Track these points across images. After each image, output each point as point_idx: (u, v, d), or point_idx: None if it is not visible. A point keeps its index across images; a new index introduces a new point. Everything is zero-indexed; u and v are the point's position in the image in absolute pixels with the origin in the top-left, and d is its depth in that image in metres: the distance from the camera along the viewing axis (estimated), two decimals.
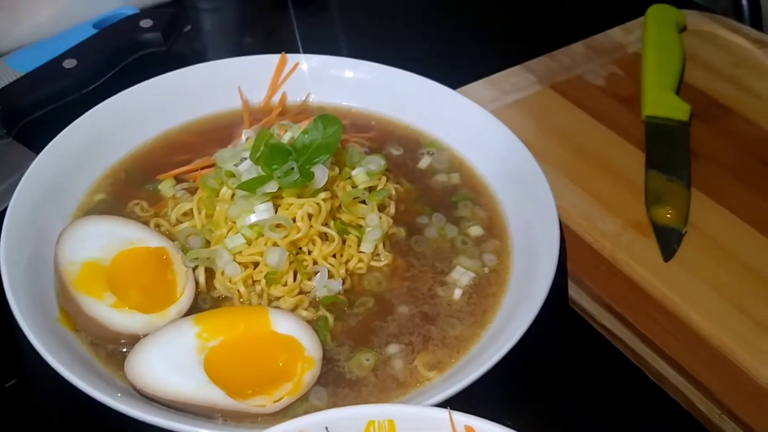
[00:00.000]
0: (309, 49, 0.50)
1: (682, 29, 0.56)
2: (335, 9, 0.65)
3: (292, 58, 0.48)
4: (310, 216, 0.37)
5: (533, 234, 0.39)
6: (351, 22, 0.63)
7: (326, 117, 0.40)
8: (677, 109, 0.49)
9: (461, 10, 0.65)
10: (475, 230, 0.41)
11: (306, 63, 0.48)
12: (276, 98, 0.47)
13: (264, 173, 0.38)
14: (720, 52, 0.55)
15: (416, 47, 0.58)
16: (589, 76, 0.53)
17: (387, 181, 0.42)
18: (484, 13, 0.64)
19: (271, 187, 0.38)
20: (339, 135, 0.39)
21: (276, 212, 0.37)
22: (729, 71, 0.53)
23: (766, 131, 0.48)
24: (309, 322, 0.36)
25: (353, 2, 0.66)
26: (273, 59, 0.48)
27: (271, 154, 0.39)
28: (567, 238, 0.42)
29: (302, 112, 0.47)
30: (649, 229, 0.42)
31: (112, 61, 0.53)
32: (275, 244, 0.37)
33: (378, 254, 0.39)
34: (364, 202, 0.40)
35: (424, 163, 0.45)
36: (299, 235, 0.37)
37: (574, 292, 0.40)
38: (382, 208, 0.41)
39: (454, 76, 0.51)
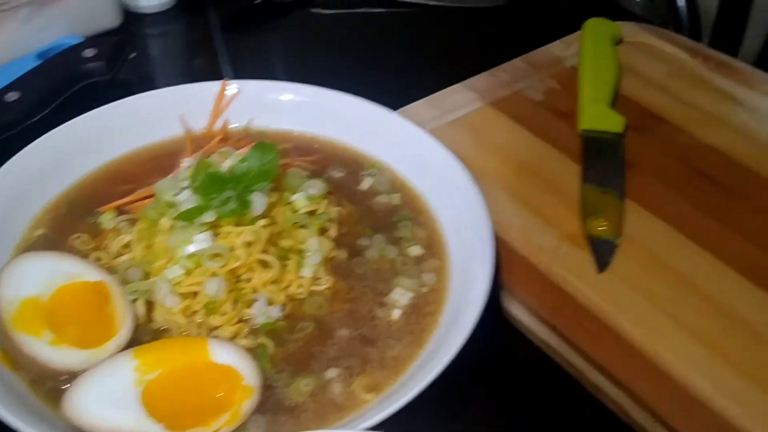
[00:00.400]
0: (252, 74, 0.51)
1: (619, 42, 0.58)
2: (278, 33, 0.65)
3: (234, 83, 0.48)
4: (249, 243, 0.38)
5: (470, 251, 0.40)
6: (293, 47, 0.64)
7: (263, 144, 0.40)
8: (612, 122, 0.50)
9: (403, 30, 0.66)
10: (415, 250, 0.41)
11: (248, 88, 0.48)
12: (218, 125, 0.48)
13: (202, 203, 0.39)
14: (655, 63, 0.56)
15: (359, 70, 0.59)
16: (528, 91, 0.54)
17: (329, 204, 0.43)
18: (425, 33, 0.65)
19: (209, 216, 0.38)
20: (276, 162, 0.40)
21: (215, 241, 0.38)
22: (664, 81, 0.55)
23: (699, 140, 0.50)
24: (248, 350, 0.36)
25: (297, 27, 0.66)
26: (215, 86, 0.48)
27: (209, 184, 0.39)
28: (504, 254, 0.42)
29: (245, 137, 0.47)
30: (585, 242, 0.43)
31: (56, 92, 0.53)
32: (214, 274, 0.37)
33: (319, 278, 0.39)
34: (305, 226, 0.41)
35: (365, 184, 0.45)
36: (238, 263, 0.37)
37: (512, 307, 0.41)
38: (323, 231, 0.41)
39: (397, 97, 0.52)
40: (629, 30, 0.59)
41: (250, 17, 0.66)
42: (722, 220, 0.44)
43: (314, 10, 0.67)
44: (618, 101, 0.53)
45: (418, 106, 0.52)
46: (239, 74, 0.54)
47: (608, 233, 0.43)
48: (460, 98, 0.53)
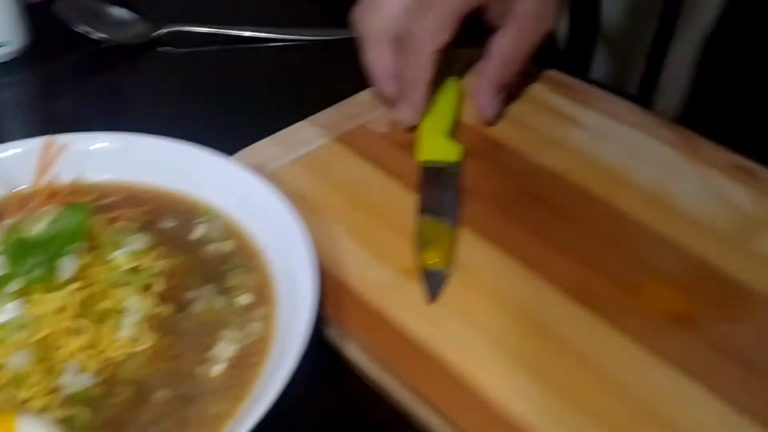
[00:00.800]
0: (98, 121, 0.50)
1: (465, 69, 0.59)
2: (128, 76, 0.65)
3: (62, 136, 0.47)
4: (61, 309, 0.37)
5: (298, 295, 0.39)
6: (143, 89, 0.63)
7: (73, 206, 0.39)
8: (449, 152, 0.51)
9: (256, 66, 0.65)
10: (244, 299, 0.41)
11: (76, 140, 0.47)
12: (46, 181, 0.46)
13: (10, 270, 0.37)
14: None
15: (209, 109, 0.58)
16: (373, 124, 0.54)
17: (156, 257, 0.42)
18: (278, 68, 0.65)
19: (17, 284, 0.37)
20: (85, 223, 0.38)
21: (24, 310, 0.37)
22: (507, 106, 0.55)
23: (535, 163, 0.51)
24: (61, 420, 0.35)
25: (147, 68, 0.65)
26: (40, 141, 0.46)
27: (17, 249, 0.38)
28: (338, 293, 0.42)
29: (73, 192, 0.46)
30: (418, 274, 0.44)
31: None
32: (22, 345, 0.36)
33: (138, 338, 0.38)
34: (127, 284, 0.40)
35: (198, 232, 0.45)
36: (47, 332, 0.36)
37: (347, 347, 0.41)
38: (147, 287, 0.40)
39: (241, 137, 0.52)
40: (470, 55, 0.60)
41: (99, 61, 0.65)
42: (554, 242, 0.45)
43: (162, 49, 0.66)
44: (459, 129, 0.54)
45: (263, 145, 0.52)
46: (85, 121, 0.53)
47: (440, 264, 0.44)
48: (305, 135, 0.53)
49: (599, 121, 0.54)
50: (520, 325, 0.41)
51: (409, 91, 0.52)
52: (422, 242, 0.45)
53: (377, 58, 0.52)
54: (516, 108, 0.56)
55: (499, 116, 0.54)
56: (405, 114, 0.52)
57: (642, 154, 0.51)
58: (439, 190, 0.48)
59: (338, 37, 0.67)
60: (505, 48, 0.52)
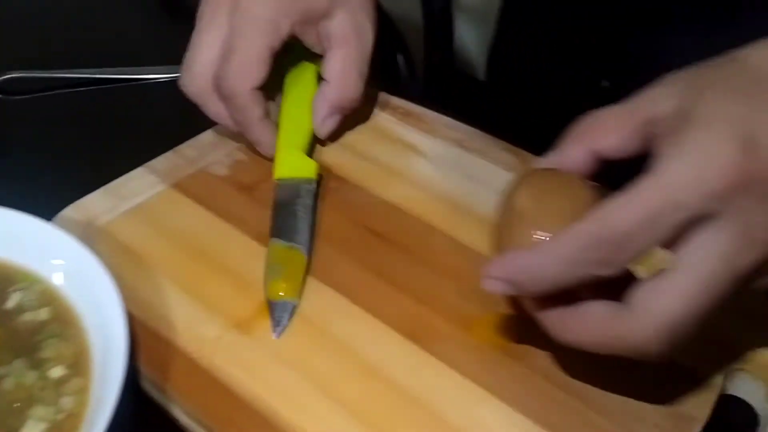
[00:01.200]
0: None
1: None
2: None
3: None
4: None
5: (113, 365, 0.37)
6: None
7: None
8: (304, 168, 0.50)
9: (83, 114, 0.63)
10: (57, 371, 0.38)
11: None
12: None
13: None
14: (349, 120, 0.56)
15: (38, 161, 0.55)
16: (213, 167, 0.52)
17: None
18: (116, 111, 0.63)
19: None
20: None
21: None
22: (348, 138, 0.55)
23: (377, 197, 0.50)
24: None
25: None
26: None
27: None
28: (166, 353, 0.41)
29: None
30: (251, 326, 0.42)
31: None
32: None
33: None
34: None
35: (12, 301, 0.42)
36: None
37: (175, 411, 0.39)
38: None
39: (73, 189, 0.49)
40: None
41: None
42: (394, 281, 0.44)
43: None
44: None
45: (93, 198, 0.50)
46: None
47: (288, 295, 0.43)
48: (140, 183, 0.51)
49: (443, 150, 0.54)
50: (357, 374, 0.40)
51: (247, 133, 0.51)
52: (271, 271, 0.44)
53: (211, 112, 0.51)
54: (359, 139, 0.55)
55: (332, 136, 0.54)
56: (259, 148, 0.52)
57: (484, 181, 0.51)
58: (293, 212, 0.47)
59: (175, 77, 0.65)
60: (334, 70, 0.52)
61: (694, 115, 0.30)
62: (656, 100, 0.33)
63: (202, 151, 0.54)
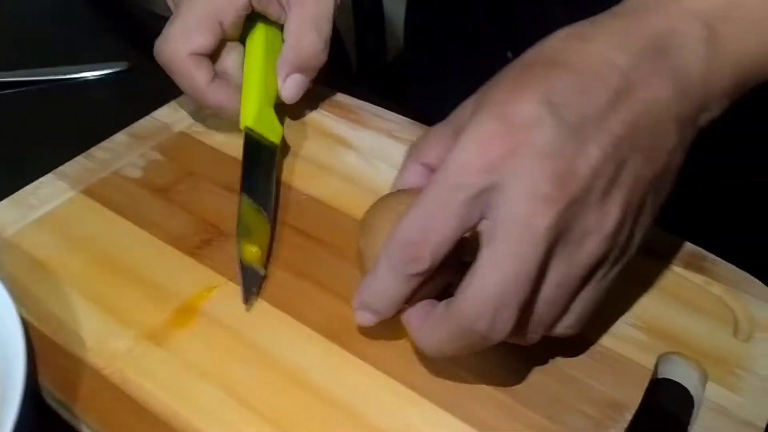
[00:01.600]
0: None
1: None
2: None
3: None
4: None
5: (9, 382, 0.35)
6: None
7: None
8: (271, 129, 0.49)
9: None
10: None
11: None
12: None
13: None
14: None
15: None
16: (127, 169, 0.50)
17: None
18: (23, 115, 0.59)
19: None
20: None
21: None
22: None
23: (301, 194, 0.48)
24: None
25: None
26: None
27: None
28: (74, 369, 0.38)
29: None
30: (165, 337, 0.39)
31: None
32: None
33: None
34: None
35: None
36: None
37: (83, 430, 0.36)
38: None
39: None
40: None
41: None
42: (318, 281, 0.42)
43: None
44: (224, 162, 0.50)
45: (0, 208, 0.47)
46: None
47: (258, 261, 0.42)
48: (48, 191, 0.48)
49: (372, 141, 0.52)
50: (277, 382, 0.37)
51: (201, 101, 0.50)
52: (244, 230, 0.43)
53: (178, 82, 0.50)
54: (287, 134, 0.52)
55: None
56: (222, 114, 0.51)
57: None
58: (260, 171, 0.46)
59: (90, 76, 0.62)
60: (290, 29, 0.51)
61: (475, 109, 0.33)
62: (462, 109, 0.36)
63: (115, 154, 0.51)
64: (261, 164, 0.47)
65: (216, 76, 0.50)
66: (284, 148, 0.52)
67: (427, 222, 0.32)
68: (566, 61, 0.32)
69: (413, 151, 0.39)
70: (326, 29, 0.52)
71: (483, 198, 0.31)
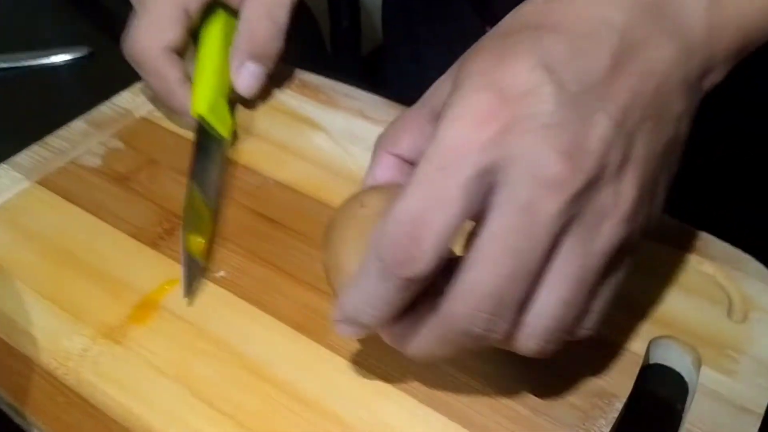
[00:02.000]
0: None
1: None
2: None
3: None
4: None
5: None
6: None
7: None
8: (222, 121, 0.46)
9: None
10: None
11: None
12: None
13: None
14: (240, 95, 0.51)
15: None
16: (85, 158, 0.47)
17: None
18: None
19: None
20: None
21: None
22: (238, 115, 0.50)
23: (269, 180, 0.45)
24: None
25: None
26: None
27: None
28: (25, 371, 0.35)
29: None
30: (124, 334, 0.37)
31: None
32: None
33: None
34: None
35: None
36: None
37: None
38: None
39: None
40: None
41: None
42: (288, 271, 0.40)
43: None
44: (185, 147, 0.46)
45: None
46: None
47: (202, 256, 0.39)
48: (1, 182, 0.45)
49: (343, 122, 0.49)
50: (244, 379, 0.35)
51: (168, 99, 0.48)
52: (189, 219, 0.40)
53: (150, 80, 0.48)
54: (250, 116, 0.50)
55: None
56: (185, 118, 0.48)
57: None
58: (207, 160, 0.44)
59: (50, 62, 0.59)
60: (244, 17, 0.49)
61: (457, 84, 0.28)
62: (438, 88, 0.31)
63: (73, 142, 0.48)
64: (209, 155, 0.45)
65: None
66: (249, 130, 0.49)
67: (423, 211, 0.26)
68: (555, 23, 0.28)
69: (383, 140, 0.33)
70: (282, 16, 0.49)
71: (484, 181, 0.26)
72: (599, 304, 0.29)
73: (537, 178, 0.26)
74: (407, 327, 0.29)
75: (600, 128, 0.26)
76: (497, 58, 0.27)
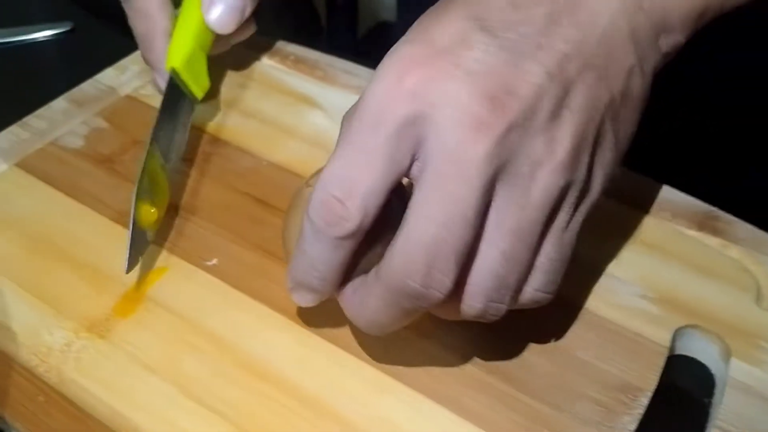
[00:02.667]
0: None
1: None
2: None
3: None
4: None
5: None
6: None
7: None
8: (197, 81, 0.43)
9: None
10: None
11: None
12: None
13: None
14: (231, 72, 0.49)
15: None
16: (66, 139, 0.44)
17: None
18: None
19: None
20: None
21: None
22: (231, 95, 0.47)
23: (263, 159, 0.42)
24: None
25: None
26: None
27: None
28: (3, 369, 0.32)
29: None
30: (108, 328, 0.34)
31: None
32: None
33: None
34: None
35: None
36: None
37: None
38: None
39: None
40: None
41: None
42: (278, 255, 0.36)
43: None
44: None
45: None
46: None
47: (153, 226, 0.37)
48: None
49: (342, 100, 0.46)
50: (238, 375, 0.32)
51: (148, 50, 0.44)
52: (142, 188, 0.37)
53: (135, 21, 0.45)
54: (243, 95, 0.47)
55: (211, 92, 0.46)
56: (157, 75, 0.45)
57: None
58: (174, 124, 0.41)
59: (30, 39, 0.55)
60: None
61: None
62: None
63: (53, 122, 0.44)
64: (177, 116, 0.42)
65: None
66: (240, 109, 0.46)
67: (349, 171, 0.26)
68: None
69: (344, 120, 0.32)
70: None
71: (410, 133, 0.26)
72: (545, 262, 0.28)
73: (461, 122, 0.25)
74: (359, 294, 0.29)
75: (531, 75, 0.26)
76: (433, 16, 0.28)
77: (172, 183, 0.40)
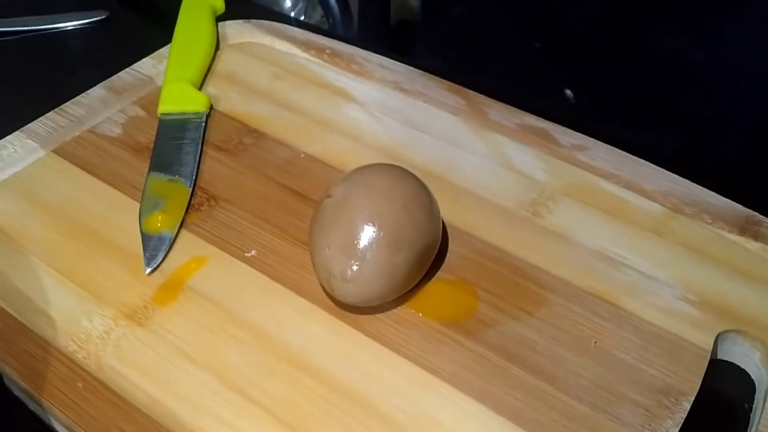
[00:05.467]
0: None
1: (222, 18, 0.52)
2: None
3: None
4: None
5: None
6: None
7: None
8: (193, 102, 0.44)
9: None
10: None
11: None
12: None
13: None
14: (261, 66, 0.49)
15: None
16: (104, 126, 0.44)
17: None
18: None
19: None
20: None
21: None
22: (268, 86, 0.47)
23: (299, 153, 0.42)
24: None
25: None
26: None
27: None
28: (42, 355, 0.33)
29: None
30: (147, 316, 0.34)
31: None
32: None
33: None
34: None
35: None
36: None
37: (54, 424, 0.32)
38: None
39: None
40: (234, 30, 0.51)
41: None
42: (305, 243, 0.36)
43: None
44: (214, 119, 0.45)
45: None
46: None
47: (166, 226, 0.37)
48: (14, 150, 0.42)
49: (378, 94, 0.46)
50: (277, 367, 0.32)
51: None
52: (148, 205, 0.39)
53: None
54: (280, 87, 0.47)
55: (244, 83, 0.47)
56: None
57: (424, 127, 0.44)
58: (177, 145, 0.42)
59: (65, 27, 0.56)
60: None
61: None
62: None
63: (91, 109, 0.45)
64: (182, 137, 0.43)
65: None
66: (279, 102, 0.46)
67: None
68: None
69: None
70: None
71: None
72: None
73: None
74: None
75: None
76: None
77: (201, 173, 0.41)
